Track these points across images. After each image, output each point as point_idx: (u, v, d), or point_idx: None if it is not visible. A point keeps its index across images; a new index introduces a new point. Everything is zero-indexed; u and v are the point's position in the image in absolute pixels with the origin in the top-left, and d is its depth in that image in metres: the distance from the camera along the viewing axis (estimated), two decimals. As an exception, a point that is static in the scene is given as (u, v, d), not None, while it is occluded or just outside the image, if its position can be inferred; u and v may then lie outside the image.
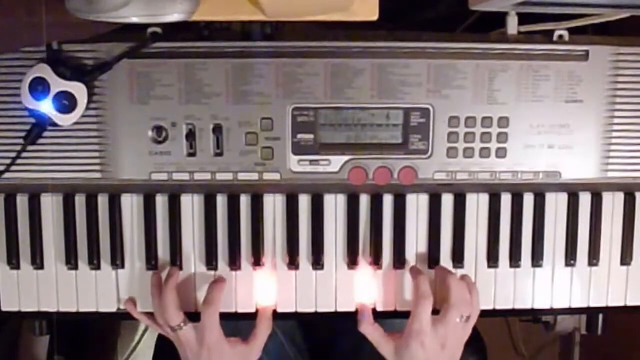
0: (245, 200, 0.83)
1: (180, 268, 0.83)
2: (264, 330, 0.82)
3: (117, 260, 0.83)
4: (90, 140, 0.80)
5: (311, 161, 0.82)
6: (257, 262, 0.83)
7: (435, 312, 0.79)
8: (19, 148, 0.79)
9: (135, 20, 0.62)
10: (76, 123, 0.78)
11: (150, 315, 0.82)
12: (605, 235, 0.86)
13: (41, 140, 0.80)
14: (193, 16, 0.66)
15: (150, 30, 0.78)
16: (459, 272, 0.85)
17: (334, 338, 1.01)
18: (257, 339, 0.81)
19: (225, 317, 0.83)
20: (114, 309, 0.84)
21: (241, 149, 0.81)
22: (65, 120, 0.77)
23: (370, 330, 0.80)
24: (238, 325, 0.83)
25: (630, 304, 0.87)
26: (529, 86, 0.81)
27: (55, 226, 0.83)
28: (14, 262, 0.83)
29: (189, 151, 0.81)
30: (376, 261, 0.84)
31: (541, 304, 0.86)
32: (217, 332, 0.78)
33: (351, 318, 0.83)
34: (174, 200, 0.83)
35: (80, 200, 0.82)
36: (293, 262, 0.83)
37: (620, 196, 0.85)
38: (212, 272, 0.84)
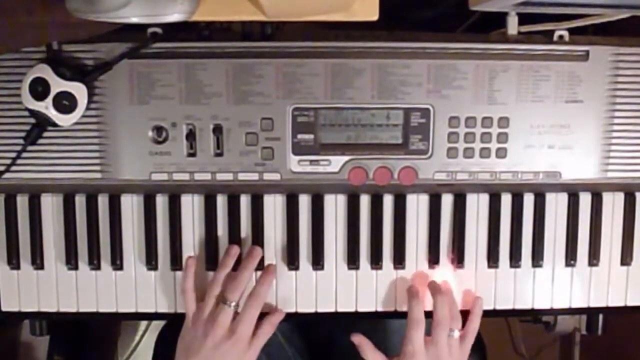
0: (245, 200, 0.83)
1: (180, 268, 0.83)
2: (266, 331, 0.81)
3: (117, 260, 0.83)
4: (90, 140, 0.80)
5: (311, 161, 0.82)
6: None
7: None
8: (19, 148, 0.79)
9: (135, 20, 0.62)
10: (76, 123, 0.78)
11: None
12: (605, 235, 0.86)
13: (41, 140, 0.80)
14: (193, 16, 0.66)
15: (150, 30, 0.78)
16: (459, 272, 0.85)
17: (333, 338, 1.01)
18: (258, 338, 0.80)
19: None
20: (113, 309, 0.84)
21: (241, 149, 0.81)
22: (65, 120, 0.77)
23: (372, 356, 0.81)
24: None
25: (630, 304, 0.87)
26: (529, 86, 0.81)
27: (55, 226, 0.83)
28: (14, 262, 0.83)
29: (189, 151, 0.81)
30: (376, 261, 0.84)
31: (541, 304, 0.86)
32: (249, 331, 0.78)
33: (350, 318, 0.83)
34: (174, 200, 0.83)
35: (80, 200, 0.82)
36: (293, 262, 0.83)
37: (620, 196, 0.85)
38: (212, 272, 0.84)
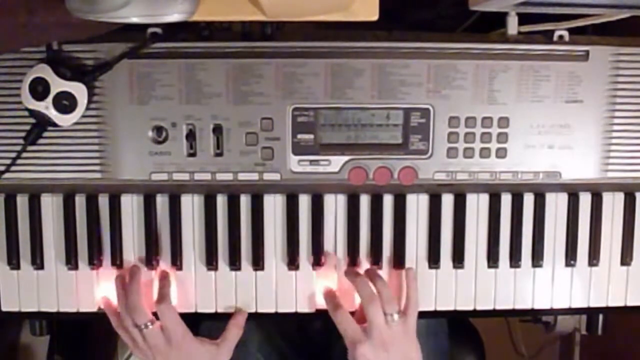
0: (245, 200, 0.83)
1: (180, 268, 0.83)
2: (234, 334, 0.82)
3: (118, 261, 0.83)
4: (90, 140, 0.80)
5: (311, 161, 0.82)
6: (257, 262, 0.83)
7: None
8: (19, 148, 0.79)
9: (135, 20, 0.62)
10: (76, 123, 0.78)
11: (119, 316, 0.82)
12: (605, 235, 0.86)
13: (41, 140, 0.80)
14: (193, 16, 0.66)
15: (150, 30, 0.78)
16: (459, 272, 0.85)
17: (332, 338, 1.01)
18: (227, 341, 0.82)
19: (225, 317, 0.83)
20: (114, 309, 0.84)
21: (241, 149, 0.81)
22: (65, 120, 0.77)
23: (341, 317, 0.80)
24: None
25: (630, 304, 0.87)
26: (529, 86, 0.81)
27: (55, 226, 0.83)
28: (14, 262, 0.83)
29: (189, 151, 0.81)
30: (376, 261, 0.84)
31: (541, 304, 0.86)
32: (181, 328, 0.79)
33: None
34: (174, 200, 0.83)
35: (80, 200, 0.83)
36: (293, 262, 0.83)
37: (620, 196, 0.85)
38: (212, 272, 0.84)
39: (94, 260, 0.83)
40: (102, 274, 0.84)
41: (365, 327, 0.78)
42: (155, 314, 0.80)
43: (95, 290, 0.84)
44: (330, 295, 0.83)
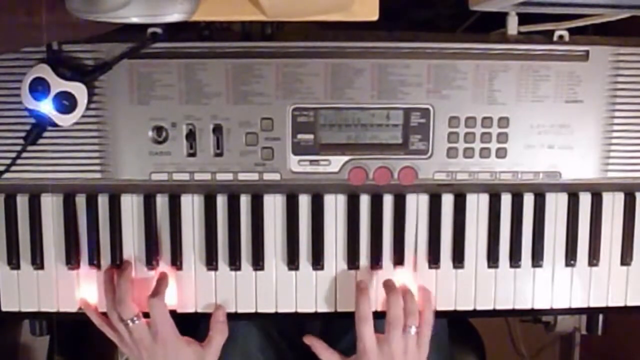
0: (245, 200, 0.83)
1: (180, 268, 0.83)
2: (218, 332, 0.82)
3: (117, 261, 0.83)
4: (90, 140, 0.80)
5: (311, 161, 0.82)
6: (257, 262, 0.83)
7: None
8: (19, 148, 0.79)
9: (135, 20, 0.62)
10: (76, 123, 0.78)
11: (103, 316, 0.82)
12: (605, 235, 0.85)
13: (41, 140, 0.80)
14: (193, 16, 0.66)
15: (150, 30, 0.78)
16: (459, 272, 0.85)
17: (331, 339, 1.01)
18: (213, 341, 0.81)
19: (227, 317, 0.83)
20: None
21: (241, 149, 0.81)
22: (65, 120, 0.77)
23: (327, 355, 0.82)
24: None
25: (630, 304, 0.87)
26: (529, 86, 0.81)
27: (55, 226, 0.83)
28: (14, 262, 0.83)
29: (189, 151, 0.81)
30: (376, 261, 0.84)
31: (541, 304, 0.86)
32: (168, 325, 0.79)
33: (350, 318, 0.83)
34: (174, 200, 0.83)
35: (80, 200, 0.82)
36: (293, 262, 0.83)
37: (620, 196, 0.85)
38: (212, 272, 0.84)
39: (94, 260, 0.83)
40: (102, 274, 0.83)
41: (380, 337, 0.79)
42: (144, 314, 0.80)
43: (95, 290, 0.84)
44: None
